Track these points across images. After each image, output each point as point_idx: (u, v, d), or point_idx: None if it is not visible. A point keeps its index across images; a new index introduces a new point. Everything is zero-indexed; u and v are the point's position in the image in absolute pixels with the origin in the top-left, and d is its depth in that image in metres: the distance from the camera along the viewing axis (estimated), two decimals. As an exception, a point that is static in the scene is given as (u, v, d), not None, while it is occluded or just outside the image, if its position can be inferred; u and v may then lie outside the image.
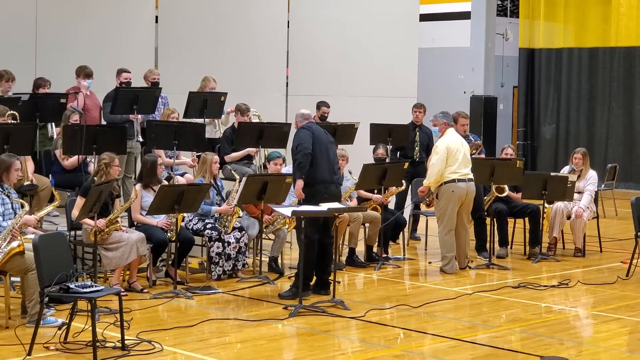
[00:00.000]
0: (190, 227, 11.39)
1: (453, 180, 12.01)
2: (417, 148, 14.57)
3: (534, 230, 13.38)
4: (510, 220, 13.63)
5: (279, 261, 11.99)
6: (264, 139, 12.81)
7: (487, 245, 12.98)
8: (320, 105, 14.63)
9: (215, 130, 13.97)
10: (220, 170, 12.37)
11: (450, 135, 12.23)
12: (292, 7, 17.04)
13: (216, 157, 11.77)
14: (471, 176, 12.17)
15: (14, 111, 11.68)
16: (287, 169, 12.08)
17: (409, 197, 14.21)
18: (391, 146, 14.13)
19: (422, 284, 11.70)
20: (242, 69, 16.50)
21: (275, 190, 11.25)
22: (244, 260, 11.44)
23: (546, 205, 13.25)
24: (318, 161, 10.57)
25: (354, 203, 12.56)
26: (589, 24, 24.66)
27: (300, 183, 10.52)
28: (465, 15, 24.65)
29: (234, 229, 11.38)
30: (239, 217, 11.49)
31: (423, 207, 13.98)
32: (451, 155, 12.02)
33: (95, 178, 10.53)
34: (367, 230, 12.67)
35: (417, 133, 14.63)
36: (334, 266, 10.62)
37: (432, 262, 12.84)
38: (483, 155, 14.08)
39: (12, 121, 11.51)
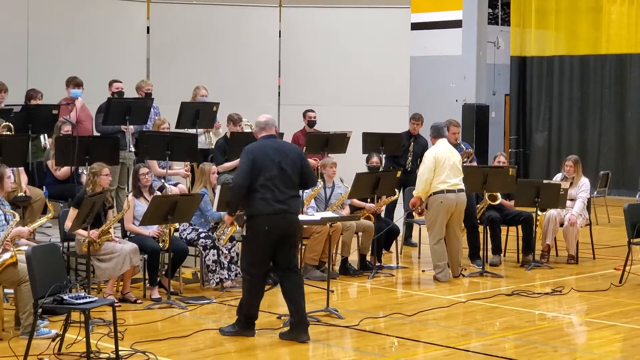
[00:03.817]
0: (183, 237, 11.39)
1: (442, 191, 12.02)
2: (409, 157, 14.60)
3: (527, 238, 13.38)
4: (503, 228, 13.64)
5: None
6: (257, 149, 12.78)
7: (481, 253, 13.00)
8: (306, 112, 14.85)
9: (206, 141, 13.96)
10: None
11: (439, 145, 12.24)
12: (283, 17, 17.06)
13: (214, 167, 11.84)
14: (462, 186, 12.16)
15: (8, 123, 11.68)
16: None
17: (400, 205, 14.23)
18: (384, 155, 14.16)
19: (416, 292, 11.70)
20: (234, 79, 16.50)
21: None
22: (236, 269, 11.45)
23: (539, 212, 13.26)
24: (256, 188, 8.99)
25: (346, 211, 12.56)
26: (580, 32, 24.71)
27: (229, 219, 9.70)
28: (456, 24, 24.69)
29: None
30: (236, 229, 11.49)
31: (415, 216, 13.97)
32: (439, 165, 12.02)
33: (87, 189, 10.52)
34: (360, 239, 12.66)
35: (412, 143, 14.67)
36: (327, 275, 10.62)
37: (426, 271, 12.84)
38: (475, 164, 14.11)
39: (7, 132, 11.51)
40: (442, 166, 12.03)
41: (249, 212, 9.07)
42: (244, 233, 9.23)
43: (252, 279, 9.17)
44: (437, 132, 12.35)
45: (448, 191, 12.03)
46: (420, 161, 14.41)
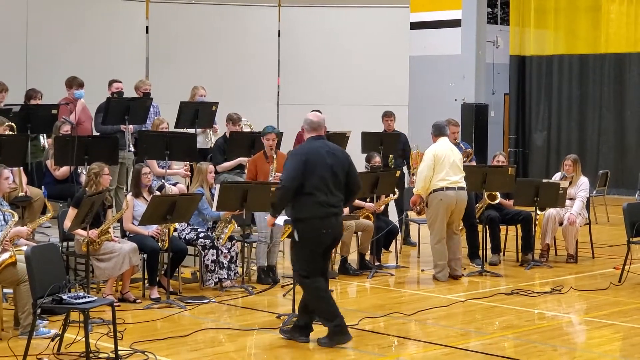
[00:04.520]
0: (182, 237, 11.39)
1: (442, 189, 11.99)
2: (390, 156, 14.58)
3: (526, 237, 13.38)
4: (503, 228, 13.64)
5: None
6: (256, 149, 12.80)
7: (480, 252, 13.00)
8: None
9: (207, 140, 13.97)
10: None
11: (439, 143, 12.20)
12: (282, 17, 17.06)
13: (211, 167, 11.83)
14: (462, 184, 12.12)
15: (11, 123, 11.69)
16: None
17: (391, 204, 14.21)
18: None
19: (415, 292, 11.70)
20: (233, 79, 16.51)
21: (258, 198, 11.20)
22: (236, 269, 11.45)
23: (538, 212, 13.26)
24: (309, 192, 8.77)
25: (345, 211, 12.53)
26: (579, 31, 24.74)
27: (270, 220, 9.26)
28: (456, 23, 24.71)
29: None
30: (235, 227, 11.50)
31: (413, 215, 13.95)
32: (438, 163, 11.98)
33: (86, 189, 10.53)
34: (359, 238, 12.66)
35: None
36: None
37: (425, 270, 12.83)
38: (474, 163, 14.11)
39: (9, 132, 11.51)
40: (442, 164, 11.99)
41: (300, 215, 8.82)
42: (295, 238, 8.90)
43: (315, 284, 8.85)
44: (439, 131, 12.31)
45: (448, 188, 11.99)
46: (403, 157, 14.57)
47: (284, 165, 9.21)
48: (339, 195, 8.94)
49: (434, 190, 12.01)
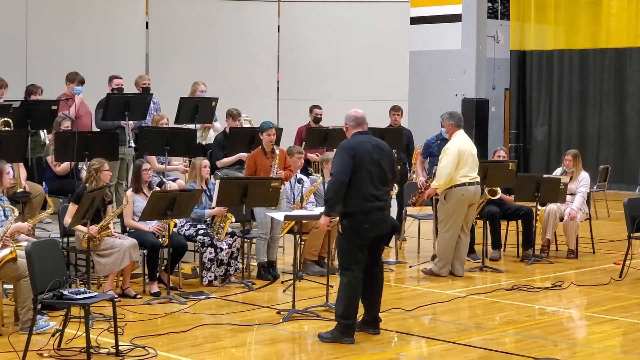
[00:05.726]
0: (182, 233, 11.38)
1: (464, 184, 11.91)
2: (394, 150, 14.54)
3: (526, 233, 13.37)
4: (503, 223, 13.64)
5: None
6: (256, 144, 12.78)
7: (481, 247, 12.99)
8: (312, 108, 14.80)
9: (200, 135, 13.86)
10: (212, 176, 12.38)
11: (460, 137, 12.09)
12: (282, 12, 17.06)
13: (205, 162, 11.76)
14: (478, 179, 12.07)
15: (7, 118, 11.67)
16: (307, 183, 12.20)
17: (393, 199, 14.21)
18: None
19: (415, 287, 11.69)
20: (233, 74, 16.50)
21: (258, 193, 11.20)
22: (236, 265, 11.45)
23: (539, 207, 13.26)
24: (356, 185, 8.79)
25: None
26: (580, 26, 24.72)
27: (325, 220, 9.17)
28: (456, 18, 24.69)
29: (226, 234, 11.38)
30: (232, 222, 11.49)
31: (411, 210, 13.93)
32: (462, 159, 11.89)
33: (86, 184, 10.52)
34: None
35: None
36: (326, 270, 10.62)
37: (413, 266, 12.81)
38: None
39: (6, 128, 11.50)
40: (465, 159, 11.89)
41: (346, 209, 8.83)
42: (340, 231, 8.92)
43: (352, 277, 8.84)
44: (460, 122, 12.21)
45: (469, 184, 11.93)
46: (405, 153, 14.52)
47: (332, 161, 9.19)
48: (385, 188, 9.00)
49: (456, 186, 11.91)
